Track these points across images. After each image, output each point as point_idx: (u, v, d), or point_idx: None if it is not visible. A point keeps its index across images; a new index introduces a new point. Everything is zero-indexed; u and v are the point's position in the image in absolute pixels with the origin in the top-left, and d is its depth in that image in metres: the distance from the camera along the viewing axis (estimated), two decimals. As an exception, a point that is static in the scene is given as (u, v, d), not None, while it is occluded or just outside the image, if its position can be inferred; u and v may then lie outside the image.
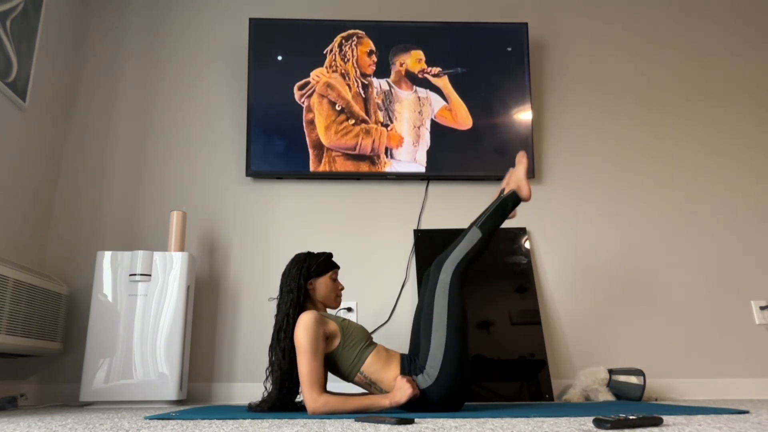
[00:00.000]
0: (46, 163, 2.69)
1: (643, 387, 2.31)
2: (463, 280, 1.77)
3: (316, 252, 1.87)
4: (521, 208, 2.87)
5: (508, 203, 1.94)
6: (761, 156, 3.03)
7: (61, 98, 2.83)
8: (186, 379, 2.36)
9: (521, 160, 2.03)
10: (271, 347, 1.74)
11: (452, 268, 1.76)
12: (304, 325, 1.64)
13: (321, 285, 1.81)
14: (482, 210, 1.96)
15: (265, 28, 2.94)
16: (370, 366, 1.69)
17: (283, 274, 1.81)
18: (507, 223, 2.82)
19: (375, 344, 1.75)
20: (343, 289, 1.89)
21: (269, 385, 1.72)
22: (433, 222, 2.84)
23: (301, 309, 1.75)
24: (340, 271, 2.73)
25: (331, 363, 1.71)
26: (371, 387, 1.70)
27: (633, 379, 2.35)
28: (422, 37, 2.98)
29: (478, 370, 2.48)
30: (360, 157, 2.82)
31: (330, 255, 1.87)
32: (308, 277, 1.79)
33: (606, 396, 2.35)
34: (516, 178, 1.98)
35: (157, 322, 2.31)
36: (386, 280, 2.74)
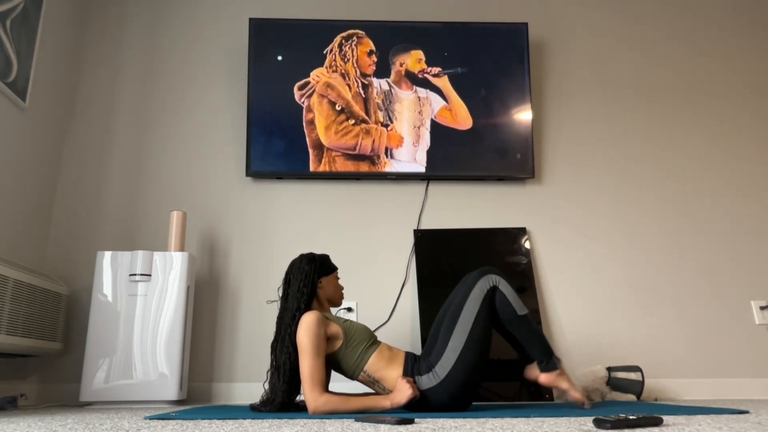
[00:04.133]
0: (46, 163, 2.69)
1: (642, 383, 2.32)
2: (492, 304, 1.74)
3: (317, 253, 1.89)
4: (518, 213, 2.87)
5: (537, 350, 1.77)
6: (762, 155, 3.03)
7: (61, 98, 2.83)
8: (186, 379, 2.36)
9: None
10: (277, 346, 1.73)
11: (495, 283, 1.75)
12: (307, 325, 1.64)
13: (329, 284, 1.84)
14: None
15: (265, 28, 2.94)
16: (374, 365, 1.69)
17: (293, 273, 1.81)
18: (507, 223, 2.84)
19: (378, 343, 1.75)
20: (343, 289, 1.93)
21: (276, 383, 1.70)
22: (433, 222, 2.84)
23: (306, 308, 1.75)
24: (340, 271, 2.74)
25: (335, 363, 1.72)
26: (375, 386, 1.71)
27: (632, 376, 2.35)
28: (422, 37, 2.98)
29: (478, 370, 2.48)
30: (360, 157, 2.82)
31: (329, 256, 1.92)
32: (320, 275, 1.82)
33: (607, 395, 2.35)
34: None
35: (157, 322, 2.31)
36: (386, 280, 2.74)
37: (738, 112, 3.10)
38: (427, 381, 1.66)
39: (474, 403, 2.23)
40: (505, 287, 1.76)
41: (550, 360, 1.76)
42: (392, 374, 1.68)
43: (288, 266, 1.85)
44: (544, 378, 1.76)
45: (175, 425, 1.25)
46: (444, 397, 1.65)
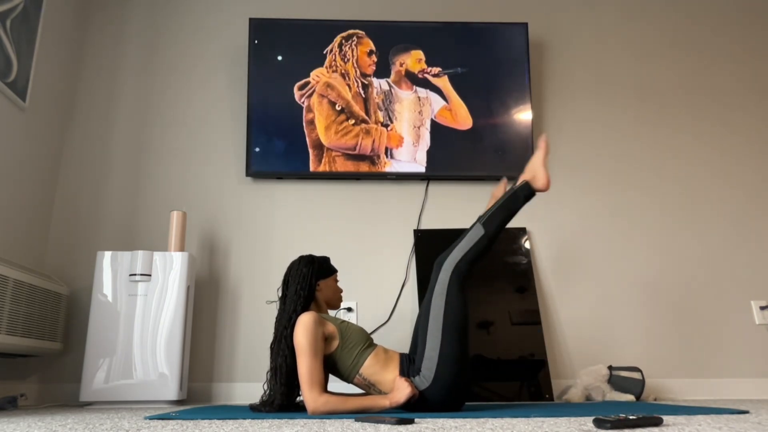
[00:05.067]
0: (46, 163, 2.69)
1: (642, 383, 2.34)
2: (464, 279, 1.74)
3: (317, 255, 1.89)
4: (518, 213, 2.87)
5: (519, 196, 1.82)
6: (763, 155, 3.03)
7: (61, 98, 2.83)
8: (186, 379, 2.36)
9: (541, 146, 1.86)
10: (275, 348, 1.73)
11: (452, 267, 1.73)
12: (304, 325, 1.64)
13: (327, 286, 1.84)
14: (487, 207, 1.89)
15: (265, 28, 2.94)
16: (369, 368, 1.69)
17: (291, 275, 1.81)
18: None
19: (374, 345, 1.75)
20: (342, 292, 1.93)
21: (274, 385, 1.70)
22: (433, 222, 2.84)
23: (303, 311, 1.75)
24: (340, 272, 2.74)
25: (331, 364, 1.71)
26: (370, 388, 1.70)
27: (634, 375, 2.37)
28: (422, 37, 2.98)
29: (478, 370, 2.48)
30: (360, 157, 2.82)
31: (329, 259, 1.90)
32: (318, 278, 1.81)
33: (608, 393, 2.36)
34: (532, 165, 1.83)
35: (157, 322, 2.31)
36: (386, 281, 2.74)
37: (738, 113, 3.10)
38: (420, 383, 1.66)
39: (474, 403, 2.23)
40: (461, 258, 1.74)
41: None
42: (388, 377, 1.68)
43: (287, 268, 1.85)
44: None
45: (175, 425, 1.25)
46: (440, 394, 1.65)
